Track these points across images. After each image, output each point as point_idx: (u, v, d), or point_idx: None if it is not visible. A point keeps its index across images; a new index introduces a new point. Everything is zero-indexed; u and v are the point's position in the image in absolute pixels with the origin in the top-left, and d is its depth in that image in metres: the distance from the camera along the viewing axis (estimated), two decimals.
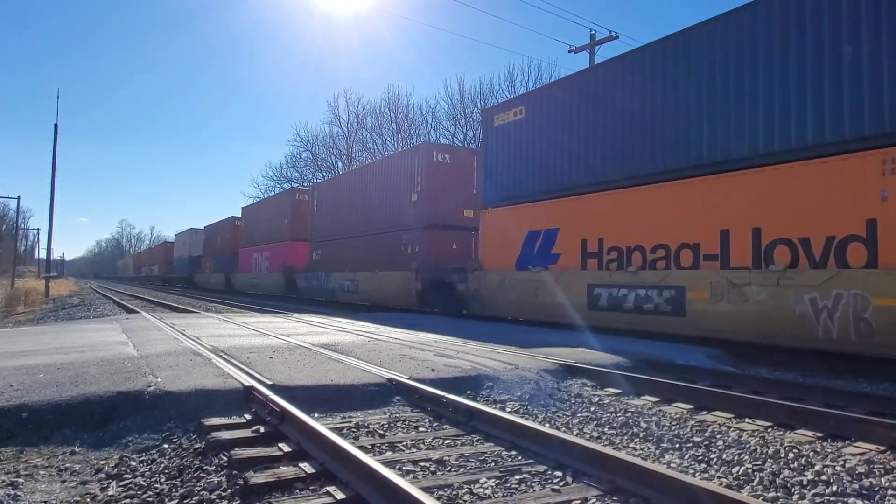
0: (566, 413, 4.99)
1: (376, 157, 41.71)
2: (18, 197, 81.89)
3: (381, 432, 4.26)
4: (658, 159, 9.69)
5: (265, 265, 29.59)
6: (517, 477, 3.30)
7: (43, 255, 62.21)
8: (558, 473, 3.34)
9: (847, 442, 4.15)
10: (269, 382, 5.11)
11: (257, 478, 3.14)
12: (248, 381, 5.06)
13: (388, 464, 3.35)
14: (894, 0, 7.03)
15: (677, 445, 4.04)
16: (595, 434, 4.36)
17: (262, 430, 4.07)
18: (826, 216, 7.45)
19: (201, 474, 3.40)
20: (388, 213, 18.26)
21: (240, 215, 37.12)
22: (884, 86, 7.04)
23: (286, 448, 3.67)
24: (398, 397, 5.22)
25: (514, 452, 3.73)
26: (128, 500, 3.13)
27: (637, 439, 4.23)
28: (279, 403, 4.21)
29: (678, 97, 9.42)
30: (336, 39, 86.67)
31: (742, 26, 8.57)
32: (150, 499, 3.14)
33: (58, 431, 4.21)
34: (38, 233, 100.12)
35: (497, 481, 3.24)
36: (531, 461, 3.56)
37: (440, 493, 3.07)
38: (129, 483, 3.35)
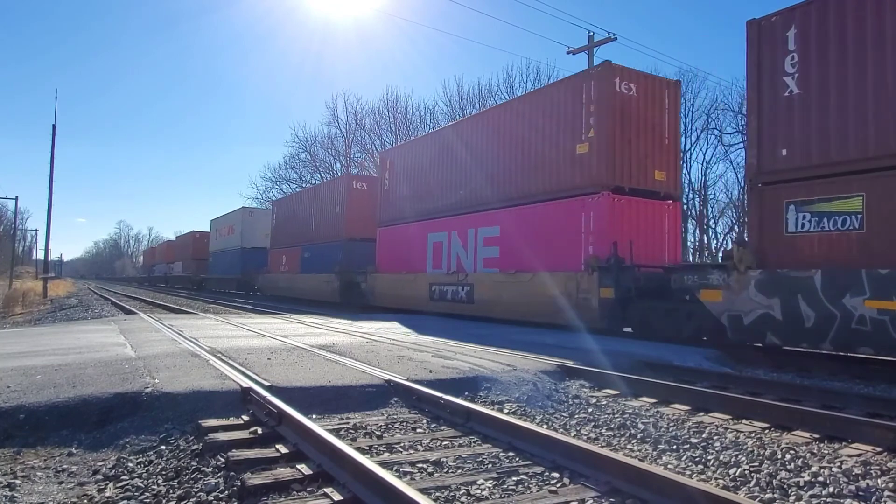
0: (564, 414, 5.00)
1: (375, 158, 41.35)
2: (16, 197, 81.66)
3: (379, 433, 4.26)
4: None
5: (489, 256, 13.53)
6: (514, 478, 3.30)
7: (41, 255, 60.05)
8: (556, 475, 3.34)
9: (844, 443, 4.15)
10: (267, 384, 5.11)
11: (255, 479, 3.14)
12: (246, 383, 5.05)
13: (386, 465, 3.35)
14: None
15: (674, 447, 4.05)
16: (593, 435, 4.37)
17: (259, 431, 4.07)
18: None
19: (199, 475, 3.40)
20: None
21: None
22: None
23: (284, 449, 3.67)
24: (396, 398, 5.22)
25: (511, 454, 3.73)
26: (125, 502, 3.13)
27: (634, 440, 4.24)
28: (277, 405, 4.21)
29: None
30: (335, 40, 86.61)
31: None
32: (148, 500, 3.13)
33: (55, 433, 4.21)
34: (35, 233, 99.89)
35: (494, 482, 3.25)
36: (529, 462, 3.56)
37: (437, 494, 3.07)
38: (127, 484, 3.35)
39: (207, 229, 43.88)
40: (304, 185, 48.72)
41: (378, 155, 30.07)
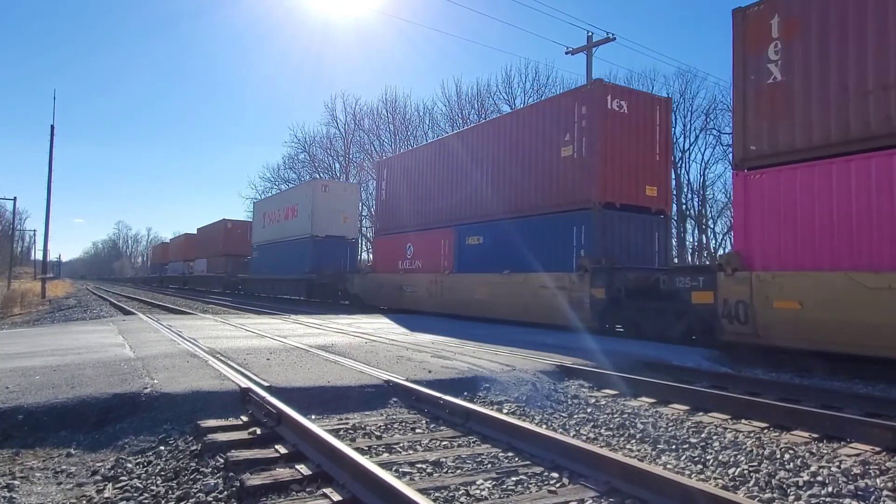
0: (563, 414, 5.00)
1: (374, 158, 41.16)
2: (15, 198, 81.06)
3: (378, 434, 4.26)
4: None
5: None
6: (514, 478, 3.30)
7: (39, 256, 59.21)
8: (555, 475, 3.34)
9: (843, 443, 4.16)
10: (266, 384, 5.10)
11: (254, 479, 3.14)
12: (245, 383, 5.05)
13: (385, 465, 3.35)
14: None
15: (674, 447, 4.05)
16: (592, 435, 4.37)
17: (258, 431, 4.07)
18: None
19: (198, 476, 3.40)
20: None
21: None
22: None
23: (283, 450, 3.67)
24: (395, 399, 5.22)
25: (510, 454, 3.73)
26: (124, 502, 3.13)
27: (634, 440, 4.24)
28: (276, 405, 4.21)
29: None
30: (334, 40, 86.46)
31: None
32: (147, 501, 3.13)
33: (54, 433, 4.20)
34: (34, 234, 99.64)
35: (494, 483, 3.25)
36: (528, 462, 3.56)
37: (437, 494, 3.07)
38: (126, 485, 3.35)
39: (239, 218, 37.97)
40: None
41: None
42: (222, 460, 3.54)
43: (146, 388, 4.87)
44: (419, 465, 3.53)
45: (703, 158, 38.65)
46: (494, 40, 76.48)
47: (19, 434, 4.12)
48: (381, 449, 3.88)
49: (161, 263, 61.49)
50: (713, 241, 38.86)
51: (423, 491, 2.92)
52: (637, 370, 6.86)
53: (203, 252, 42.08)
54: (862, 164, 7.27)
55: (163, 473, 3.52)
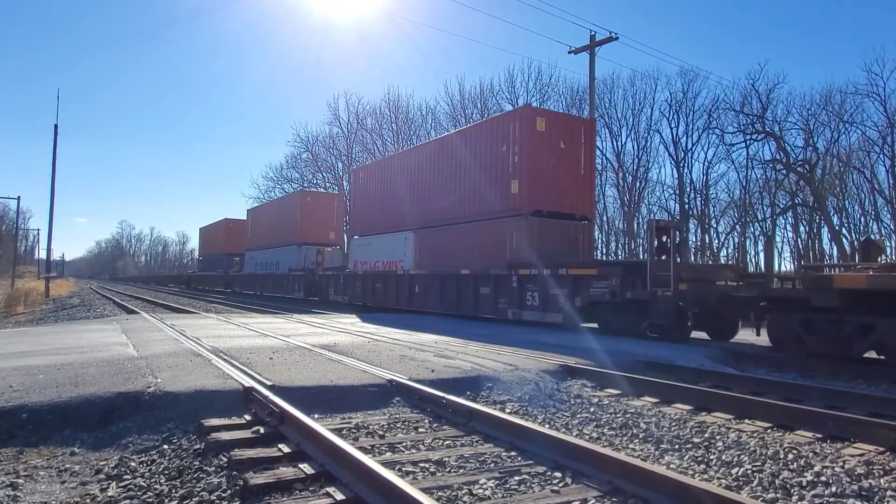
0: (566, 414, 4.99)
1: (376, 157, 41.19)
2: (18, 197, 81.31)
3: (381, 433, 4.26)
4: None
5: None
6: (517, 478, 3.30)
7: (42, 255, 59.42)
8: (558, 474, 3.34)
9: (846, 443, 4.15)
10: (269, 383, 5.11)
11: (257, 478, 3.14)
12: (248, 382, 5.06)
13: (388, 464, 3.35)
14: None
15: (677, 446, 4.04)
16: (595, 435, 4.36)
17: (261, 430, 4.07)
18: None
19: (201, 475, 3.40)
20: None
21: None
22: None
23: (286, 449, 3.68)
24: (398, 398, 5.22)
25: (513, 453, 3.73)
26: (127, 501, 3.13)
27: (636, 440, 4.23)
28: (279, 404, 4.21)
29: None
30: (335, 40, 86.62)
31: None
32: (150, 499, 3.14)
33: (57, 432, 4.21)
34: (37, 233, 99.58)
35: (496, 482, 3.25)
36: (531, 462, 3.56)
37: (439, 493, 3.07)
38: (129, 484, 3.36)
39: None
40: (305, 185, 48.41)
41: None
42: (225, 459, 3.55)
43: (150, 386, 4.88)
44: (422, 465, 3.53)
45: (705, 157, 38.35)
46: (497, 40, 76.52)
47: (23, 433, 4.14)
48: (384, 448, 3.88)
49: (225, 254, 37.94)
50: (716, 241, 38.74)
51: (426, 490, 2.92)
52: (639, 370, 6.85)
53: (381, 222, 18.65)
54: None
55: (166, 472, 3.52)
